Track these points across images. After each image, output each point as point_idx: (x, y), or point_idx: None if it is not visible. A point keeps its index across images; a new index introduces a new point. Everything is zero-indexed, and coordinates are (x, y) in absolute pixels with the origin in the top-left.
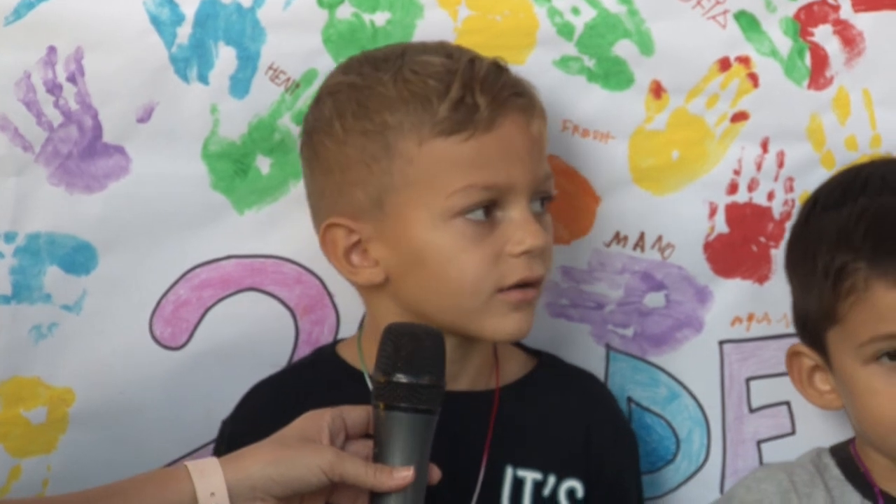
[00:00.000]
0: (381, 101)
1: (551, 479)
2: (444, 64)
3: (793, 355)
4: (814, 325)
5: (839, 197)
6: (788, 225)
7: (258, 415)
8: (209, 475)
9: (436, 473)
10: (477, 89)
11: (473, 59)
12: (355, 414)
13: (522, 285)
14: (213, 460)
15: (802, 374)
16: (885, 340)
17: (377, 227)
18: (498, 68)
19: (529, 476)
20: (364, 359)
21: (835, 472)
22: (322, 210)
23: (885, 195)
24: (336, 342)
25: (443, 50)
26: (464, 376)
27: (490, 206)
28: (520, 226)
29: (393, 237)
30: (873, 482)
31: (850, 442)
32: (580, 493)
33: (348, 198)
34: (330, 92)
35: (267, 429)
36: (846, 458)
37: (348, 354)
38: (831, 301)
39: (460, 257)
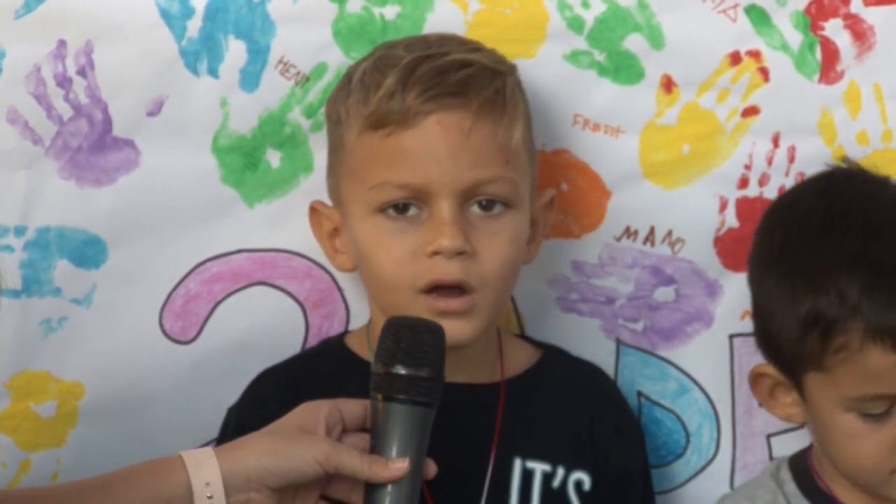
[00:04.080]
0: (346, 91)
1: (560, 471)
2: (401, 58)
3: (757, 376)
4: (791, 360)
5: (817, 233)
6: None
7: (264, 402)
8: (204, 465)
9: (432, 468)
10: (409, 85)
11: (429, 56)
12: (352, 407)
13: (444, 288)
14: (209, 450)
15: (765, 391)
16: (875, 399)
17: (341, 215)
18: (453, 66)
19: (539, 468)
20: (372, 349)
21: (791, 486)
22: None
23: (873, 244)
24: (344, 333)
25: (424, 43)
26: (464, 368)
27: (414, 203)
28: (434, 226)
29: (348, 227)
30: (831, 494)
31: (808, 451)
32: (587, 485)
33: (328, 183)
34: (344, 74)
35: (273, 416)
36: (802, 470)
37: (356, 345)
38: (817, 350)
39: (378, 251)
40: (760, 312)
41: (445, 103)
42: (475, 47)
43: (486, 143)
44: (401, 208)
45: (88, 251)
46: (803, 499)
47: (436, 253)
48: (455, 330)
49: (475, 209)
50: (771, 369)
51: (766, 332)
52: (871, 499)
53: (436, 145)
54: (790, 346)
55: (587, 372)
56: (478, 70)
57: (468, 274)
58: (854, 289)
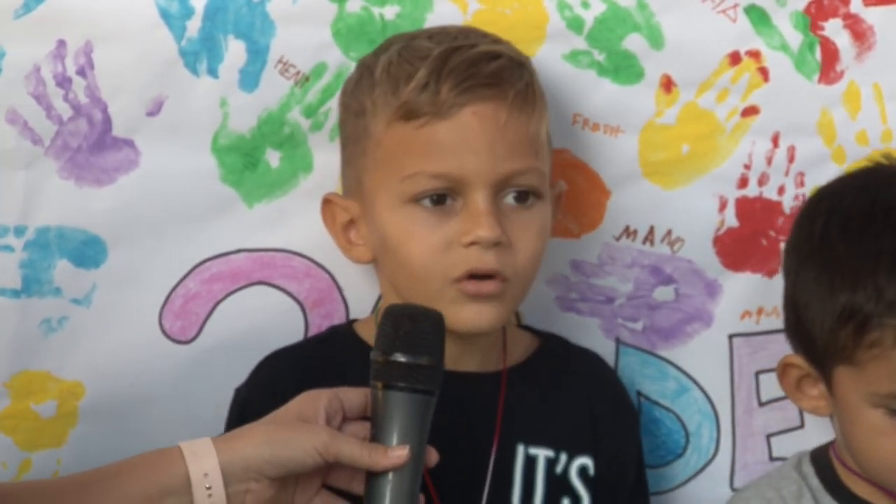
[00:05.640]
0: (369, 82)
1: (563, 457)
2: (429, 49)
3: (786, 367)
4: (822, 352)
5: (858, 227)
6: None
7: (272, 382)
8: (202, 456)
9: (433, 456)
10: (443, 76)
11: (458, 47)
12: (353, 396)
13: (477, 276)
14: (207, 441)
15: (791, 383)
16: None
17: (362, 206)
18: (484, 57)
19: (541, 454)
20: None
21: (814, 481)
22: (341, 182)
23: None
24: (353, 321)
25: (447, 35)
26: (471, 357)
27: (449, 194)
28: (471, 217)
29: (370, 217)
30: (852, 491)
31: (830, 446)
32: (592, 470)
33: (345, 175)
34: (356, 66)
35: (280, 396)
36: (825, 465)
37: (365, 332)
38: (849, 345)
39: (410, 242)
40: (794, 302)
41: (480, 94)
42: (495, 39)
43: (520, 135)
44: (436, 199)
45: (88, 251)
46: (827, 495)
47: (473, 243)
48: (484, 316)
49: (509, 200)
50: (800, 360)
51: (800, 323)
52: (891, 498)
53: (472, 136)
54: (823, 337)
55: (585, 358)
56: (507, 62)
57: (503, 264)
58: (892, 286)
